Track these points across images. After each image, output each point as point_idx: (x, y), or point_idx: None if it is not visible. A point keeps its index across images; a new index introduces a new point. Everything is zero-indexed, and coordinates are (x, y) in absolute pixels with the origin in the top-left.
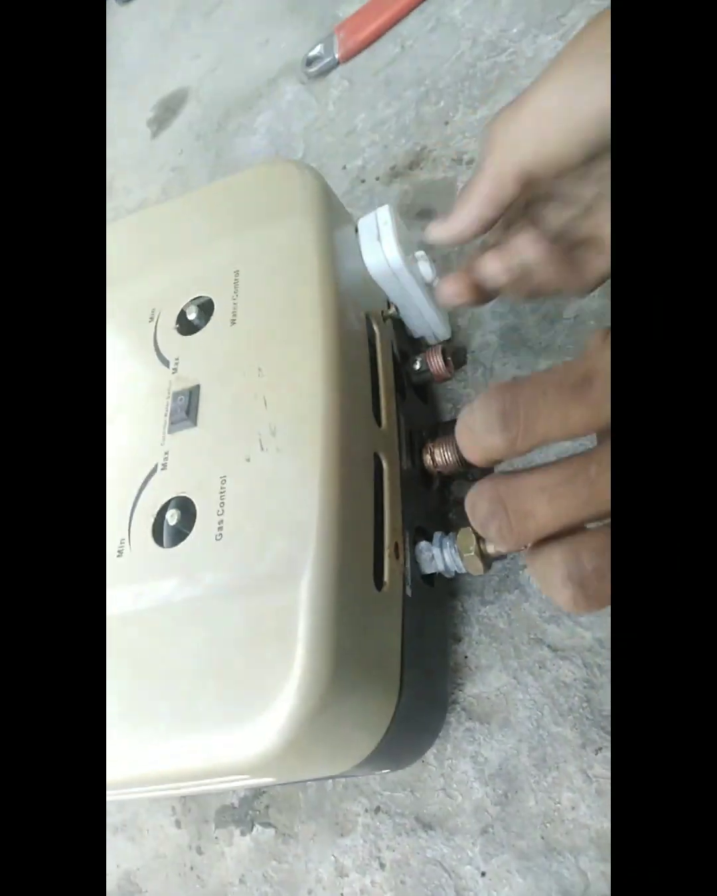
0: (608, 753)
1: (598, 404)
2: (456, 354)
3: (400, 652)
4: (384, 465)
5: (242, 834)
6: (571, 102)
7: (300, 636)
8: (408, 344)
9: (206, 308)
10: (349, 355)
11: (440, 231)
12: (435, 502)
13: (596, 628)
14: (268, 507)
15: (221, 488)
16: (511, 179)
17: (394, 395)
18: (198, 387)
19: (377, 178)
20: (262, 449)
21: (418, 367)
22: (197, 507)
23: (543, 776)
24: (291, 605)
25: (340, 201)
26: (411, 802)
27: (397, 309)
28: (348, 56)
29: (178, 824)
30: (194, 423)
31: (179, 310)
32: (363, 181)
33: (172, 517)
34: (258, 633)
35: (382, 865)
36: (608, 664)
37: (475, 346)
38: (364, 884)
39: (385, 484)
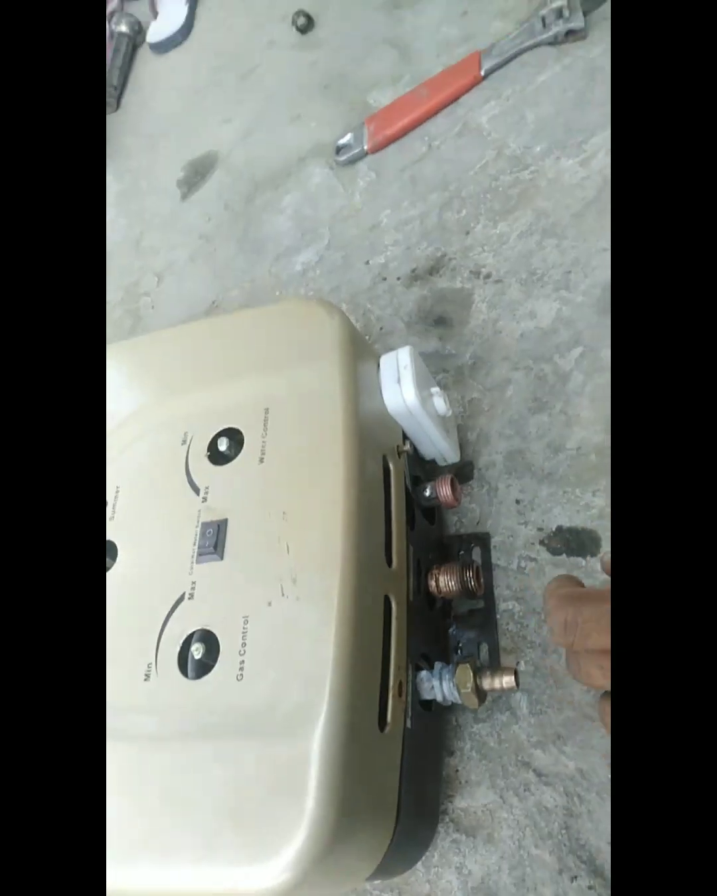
0: (582, 882)
1: None
2: (462, 470)
3: (398, 784)
4: (393, 604)
5: None
6: None
7: (311, 788)
8: (419, 467)
9: (236, 440)
10: (368, 503)
11: None
12: (437, 622)
13: (579, 759)
14: (286, 654)
15: (244, 628)
16: None
17: (405, 530)
18: (226, 521)
19: (398, 279)
20: (283, 595)
21: (427, 493)
22: (221, 644)
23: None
24: (303, 756)
25: (364, 339)
26: None
27: (411, 445)
28: (377, 148)
29: None
30: (221, 557)
31: (211, 438)
32: (385, 279)
33: (197, 651)
34: (273, 780)
35: None
36: (588, 795)
37: (482, 464)
38: None
39: (393, 623)
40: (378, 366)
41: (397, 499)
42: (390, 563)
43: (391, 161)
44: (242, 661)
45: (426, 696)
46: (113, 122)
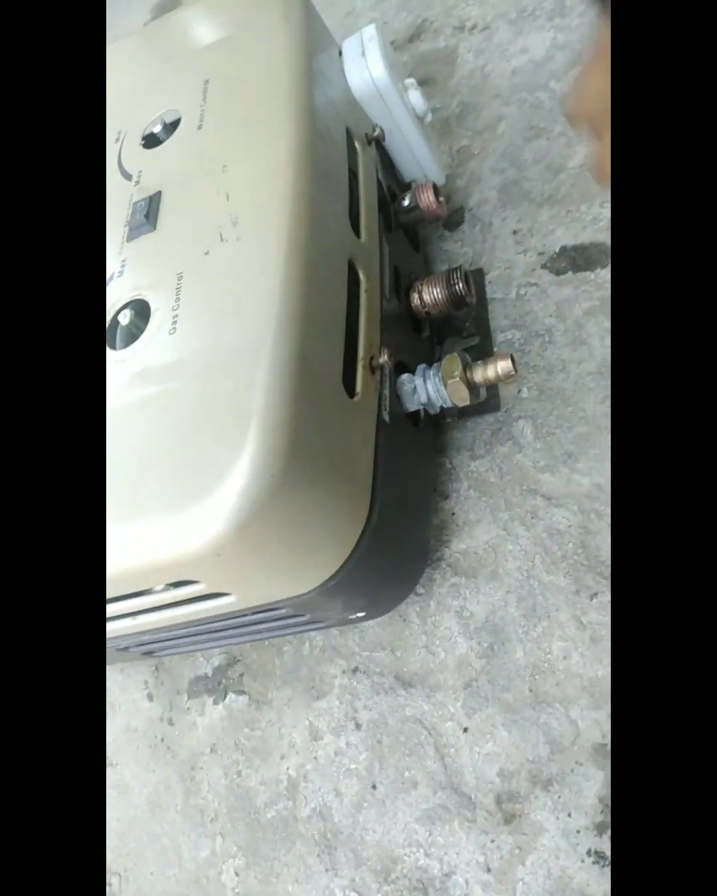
0: (604, 598)
1: None
2: (451, 218)
3: (372, 468)
4: (362, 277)
5: (215, 703)
6: None
7: (255, 410)
8: (397, 187)
9: (173, 123)
10: (322, 151)
11: None
12: (425, 349)
13: (594, 474)
14: (227, 295)
15: (178, 285)
16: None
17: (376, 213)
18: (159, 193)
19: None
20: (222, 240)
21: (407, 203)
22: (152, 306)
23: (532, 626)
24: (248, 383)
25: (325, 27)
26: (391, 661)
27: (382, 132)
28: None
29: (150, 697)
30: (153, 227)
31: (146, 126)
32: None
33: (124, 317)
34: (212, 413)
35: (358, 726)
36: (606, 509)
37: (473, 204)
38: (339, 745)
39: (362, 297)
40: (341, 53)
41: (365, 178)
42: (357, 233)
43: None
44: (175, 316)
45: (410, 404)
46: None
